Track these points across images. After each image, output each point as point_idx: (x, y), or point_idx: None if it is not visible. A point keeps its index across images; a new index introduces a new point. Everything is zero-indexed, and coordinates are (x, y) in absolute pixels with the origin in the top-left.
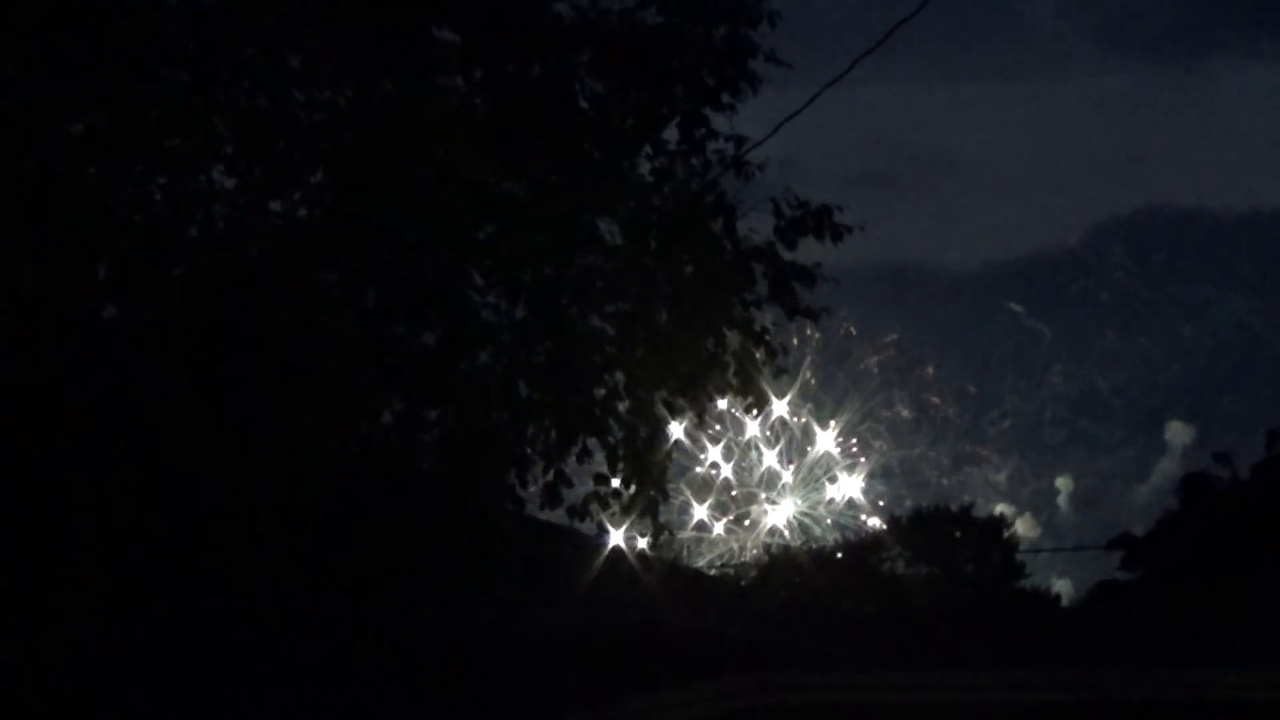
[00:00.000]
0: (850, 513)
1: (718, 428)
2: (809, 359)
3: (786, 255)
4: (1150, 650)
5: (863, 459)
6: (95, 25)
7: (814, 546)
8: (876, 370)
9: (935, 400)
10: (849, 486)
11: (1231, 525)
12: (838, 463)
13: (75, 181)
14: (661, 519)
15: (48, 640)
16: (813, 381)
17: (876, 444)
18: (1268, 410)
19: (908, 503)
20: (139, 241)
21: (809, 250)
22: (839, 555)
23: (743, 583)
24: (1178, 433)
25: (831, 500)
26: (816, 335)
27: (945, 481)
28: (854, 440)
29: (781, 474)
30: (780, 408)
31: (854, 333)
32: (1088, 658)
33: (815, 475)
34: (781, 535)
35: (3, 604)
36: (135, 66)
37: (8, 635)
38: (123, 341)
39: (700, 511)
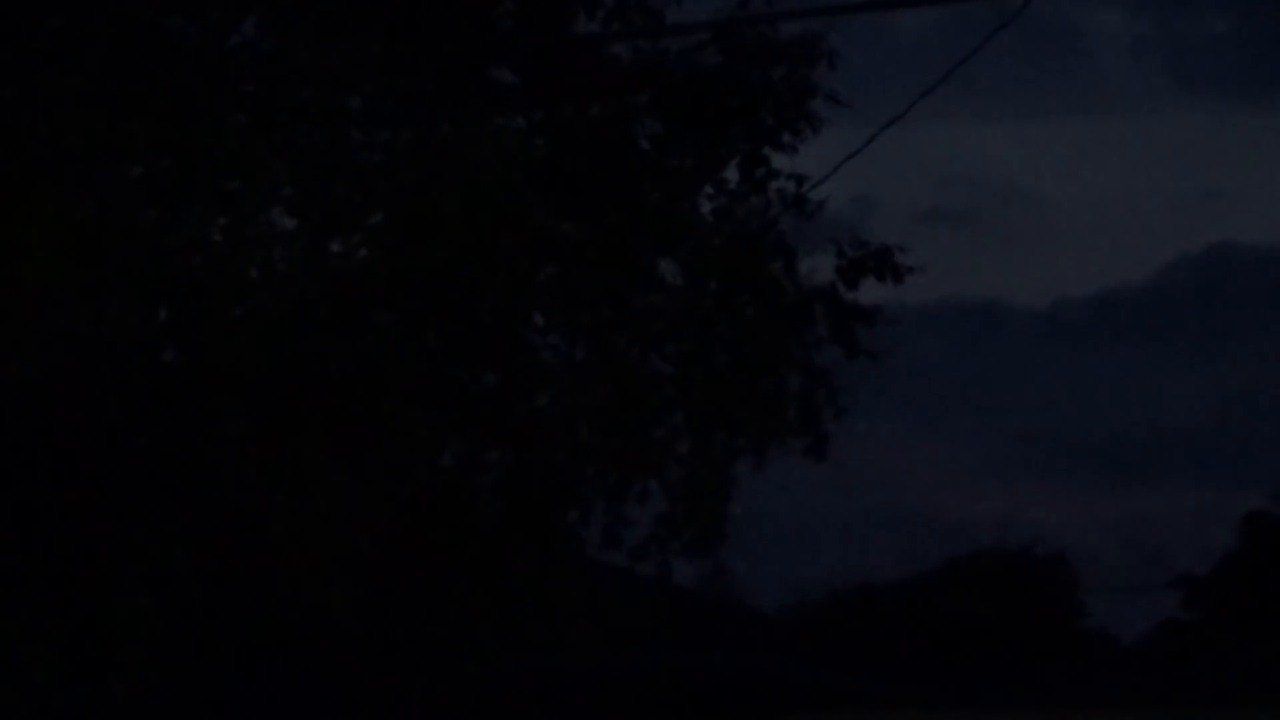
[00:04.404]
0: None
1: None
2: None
3: (848, 296)
4: (1204, 691)
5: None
6: (154, 68)
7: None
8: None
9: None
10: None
11: None
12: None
13: (134, 224)
14: (722, 559)
15: (109, 683)
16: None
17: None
18: None
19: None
20: (198, 284)
21: (878, 291)
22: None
23: (808, 622)
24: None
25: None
26: None
27: (1032, 519)
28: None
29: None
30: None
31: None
32: (1147, 700)
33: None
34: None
35: (64, 647)
36: (194, 109)
37: (70, 678)
38: (182, 384)
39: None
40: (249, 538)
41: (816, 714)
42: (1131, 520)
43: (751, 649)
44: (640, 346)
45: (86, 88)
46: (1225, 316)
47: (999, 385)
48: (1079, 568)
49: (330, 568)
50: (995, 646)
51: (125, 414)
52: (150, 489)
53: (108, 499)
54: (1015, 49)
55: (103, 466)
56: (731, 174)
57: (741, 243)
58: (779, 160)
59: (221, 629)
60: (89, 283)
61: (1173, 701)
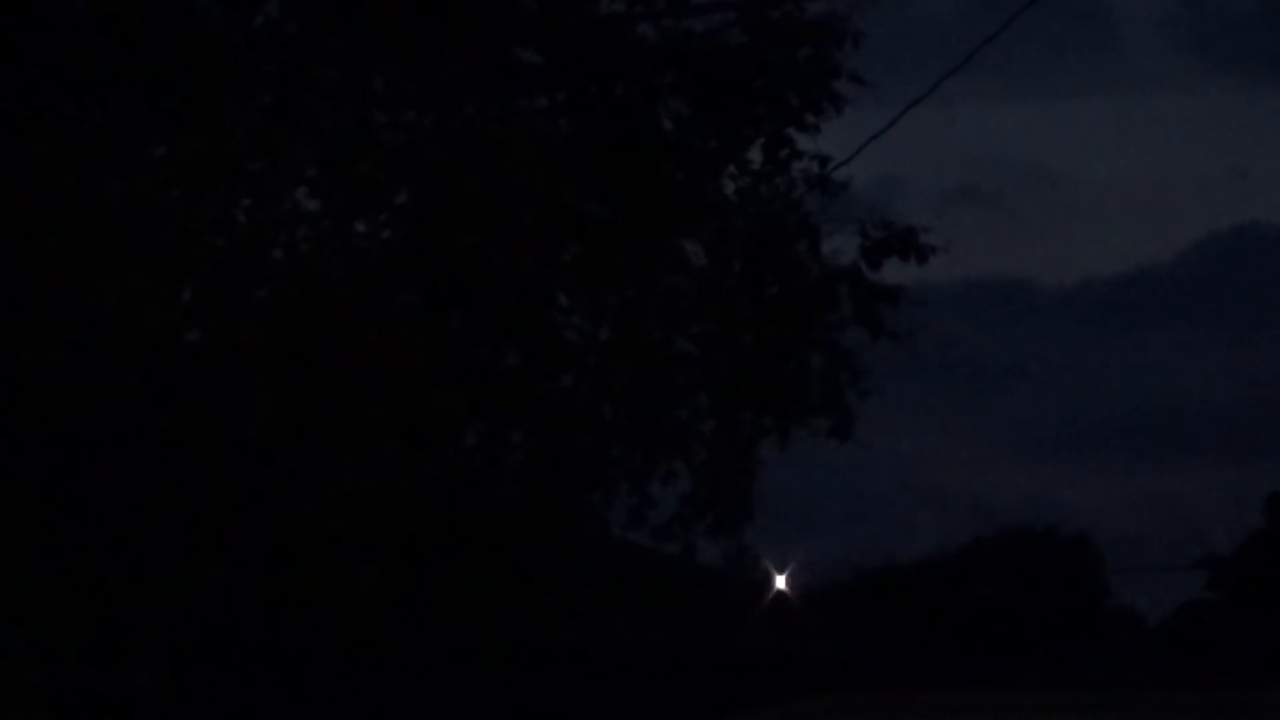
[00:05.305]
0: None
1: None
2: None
3: (871, 276)
4: (1229, 671)
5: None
6: (178, 49)
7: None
8: None
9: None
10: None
11: None
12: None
13: (158, 204)
14: (747, 539)
15: (133, 665)
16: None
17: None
18: None
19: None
20: (222, 264)
21: (905, 271)
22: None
23: (833, 602)
24: None
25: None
26: None
27: (1058, 498)
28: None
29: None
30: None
31: None
32: (1172, 679)
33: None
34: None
35: (88, 628)
36: (218, 90)
37: (94, 660)
38: (206, 365)
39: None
40: (272, 519)
41: (840, 694)
42: (1158, 500)
43: (775, 629)
44: (664, 327)
45: (110, 69)
46: (1252, 295)
47: (1026, 365)
48: (1104, 548)
49: (353, 549)
50: (1020, 626)
51: (149, 395)
52: (174, 470)
53: (131, 480)
54: (1041, 28)
55: (126, 447)
56: (755, 154)
57: (765, 223)
58: (803, 141)
59: (244, 610)
60: (112, 263)
61: (1195, 681)
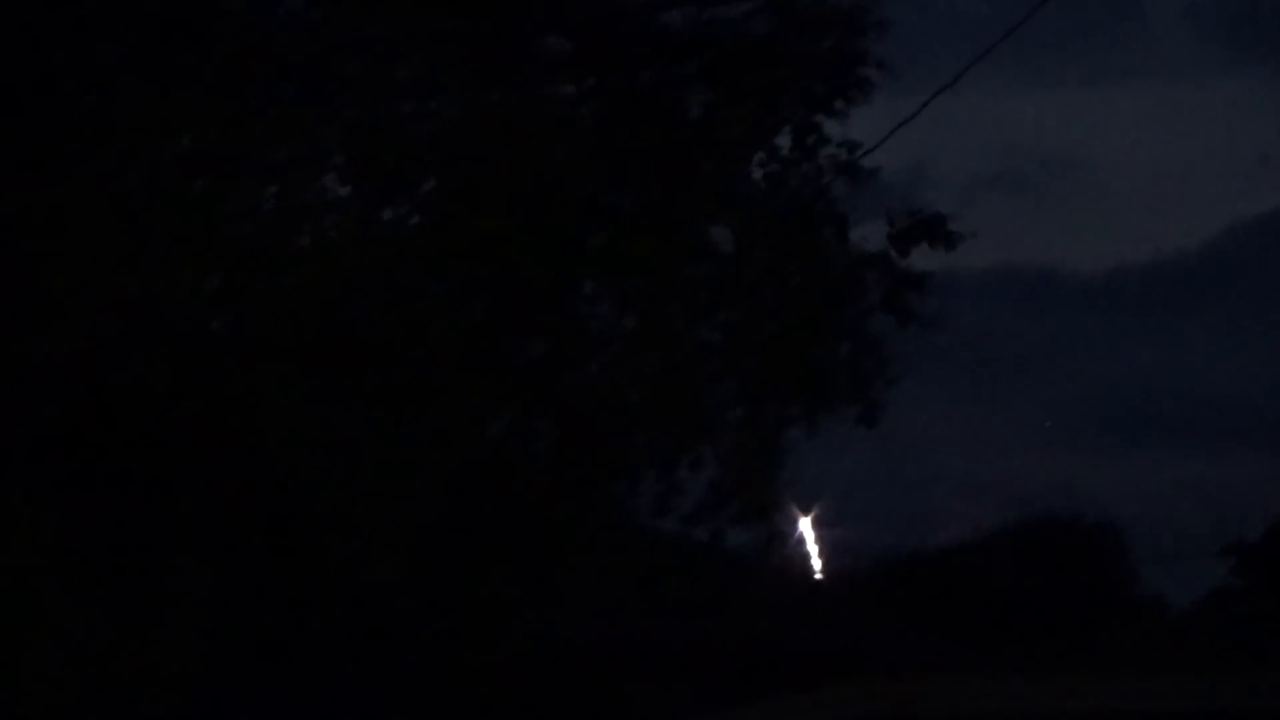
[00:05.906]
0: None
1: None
2: None
3: (899, 263)
4: (1254, 659)
5: None
6: (203, 37)
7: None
8: None
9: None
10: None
11: None
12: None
13: (184, 192)
14: (775, 525)
15: (159, 653)
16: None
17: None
18: None
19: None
20: (248, 252)
21: (933, 258)
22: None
23: (858, 588)
24: None
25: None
26: None
27: (1085, 485)
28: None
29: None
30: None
31: None
32: (1199, 666)
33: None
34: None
35: (114, 618)
36: (243, 78)
37: (120, 648)
38: (232, 353)
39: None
40: (298, 507)
41: (863, 681)
42: (1185, 487)
43: (800, 616)
44: (690, 315)
45: (135, 57)
46: None
47: (1054, 352)
48: (1132, 535)
49: (379, 537)
50: (1045, 613)
51: (175, 383)
52: (198, 459)
53: (156, 470)
54: (1068, 15)
55: (151, 437)
56: (784, 141)
57: (792, 210)
58: (831, 127)
59: (271, 598)
60: (137, 252)
61: (1216, 668)
